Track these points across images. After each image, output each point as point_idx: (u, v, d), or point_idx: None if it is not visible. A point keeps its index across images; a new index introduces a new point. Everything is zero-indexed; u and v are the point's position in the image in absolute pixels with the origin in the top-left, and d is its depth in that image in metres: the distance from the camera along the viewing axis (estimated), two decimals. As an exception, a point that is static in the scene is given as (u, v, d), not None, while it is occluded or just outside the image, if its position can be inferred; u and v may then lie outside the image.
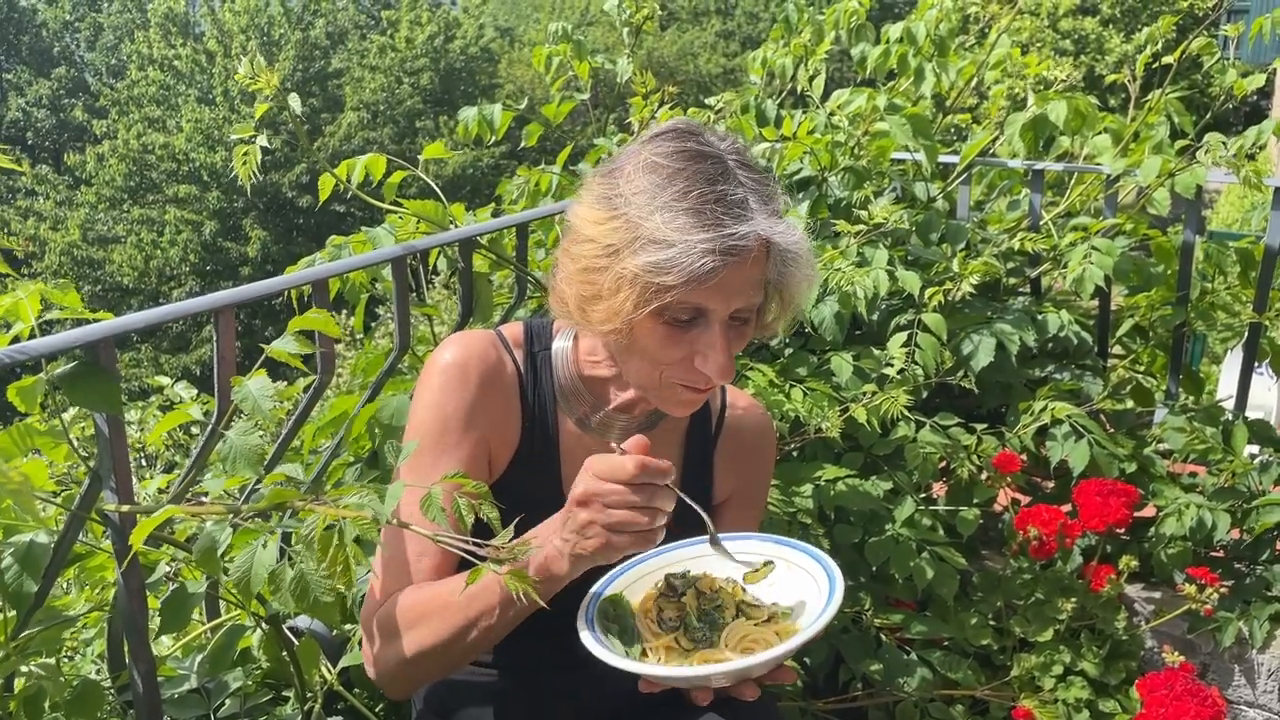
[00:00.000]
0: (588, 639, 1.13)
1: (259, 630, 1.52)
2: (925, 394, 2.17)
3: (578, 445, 1.33)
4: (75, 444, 1.27)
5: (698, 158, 1.14)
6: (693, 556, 1.26)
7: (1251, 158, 2.18)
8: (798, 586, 1.22)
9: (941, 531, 2.03)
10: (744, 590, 1.22)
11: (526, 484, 1.31)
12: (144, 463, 4.09)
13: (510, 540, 0.96)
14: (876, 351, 2.17)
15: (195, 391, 2.33)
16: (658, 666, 1.12)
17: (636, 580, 1.25)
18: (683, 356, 1.16)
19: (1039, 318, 2.24)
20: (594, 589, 1.21)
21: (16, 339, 1.12)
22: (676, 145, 1.16)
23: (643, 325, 1.15)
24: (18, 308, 1.12)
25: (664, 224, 1.10)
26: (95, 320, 1.17)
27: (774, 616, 1.19)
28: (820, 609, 1.14)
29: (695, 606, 1.18)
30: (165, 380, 2.47)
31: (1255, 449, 2.24)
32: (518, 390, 1.31)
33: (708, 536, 1.26)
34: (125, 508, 1.15)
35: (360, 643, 1.53)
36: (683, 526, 1.36)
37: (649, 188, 1.13)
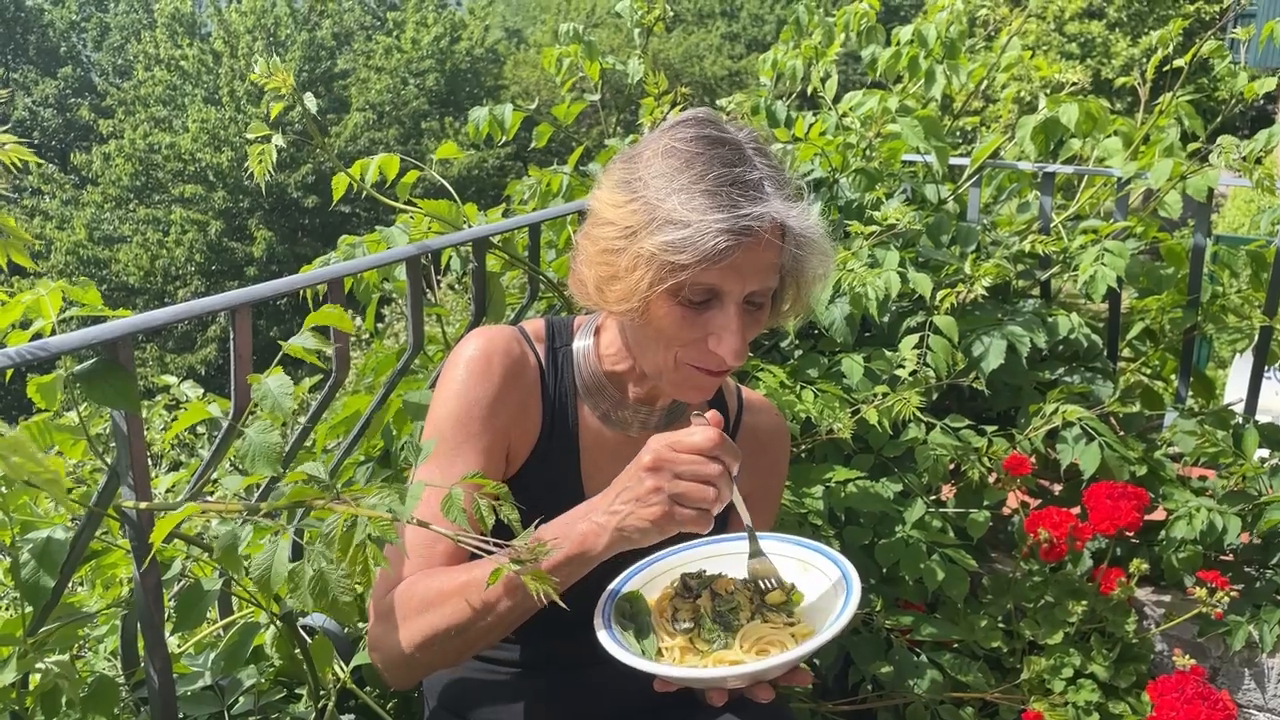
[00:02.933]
0: (604, 638, 1.13)
1: (272, 628, 1.53)
2: (936, 396, 2.17)
3: (597, 439, 1.34)
4: (91, 441, 1.27)
5: (716, 143, 1.16)
6: (708, 556, 1.26)
7: (1259, 161, 2.18)
8: (814, 589, 1.22)
9: (951, 534, 2.03)
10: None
11: (546, 476, 1.32)
12: (148, 462, 4.10)
13: (529, 538, 0.96)
14: (887, 353, 2.17)
15: (201, 391, 2.33)
16: (674, 667, 1.12)
17: (652, 579, 1.24)
18: (697, 338, 1.17)
19: (1049, 320, 2.25)
20: (611, 586, 1.21)
21: (38, 335, 1.13)
22: (695, 131, 1.18)
23: (659, 306, 1.16)
24: (39, 305, 1.13)
25: (680, 205, 1.12)
26: (114, 318, 1.17)
27: (791, 619, 1.19)
28: (837, 612, 1.14)
29: (710, 608, 1.17)
30: (171, 379, 2.47)
31: (1265, 453, 2.24)
32: (539, 384, 1.32)
33: (727, 536, 1.27)
34: (144, 505, 1.16)
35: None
36: None
37: (667, 171, 1.15)
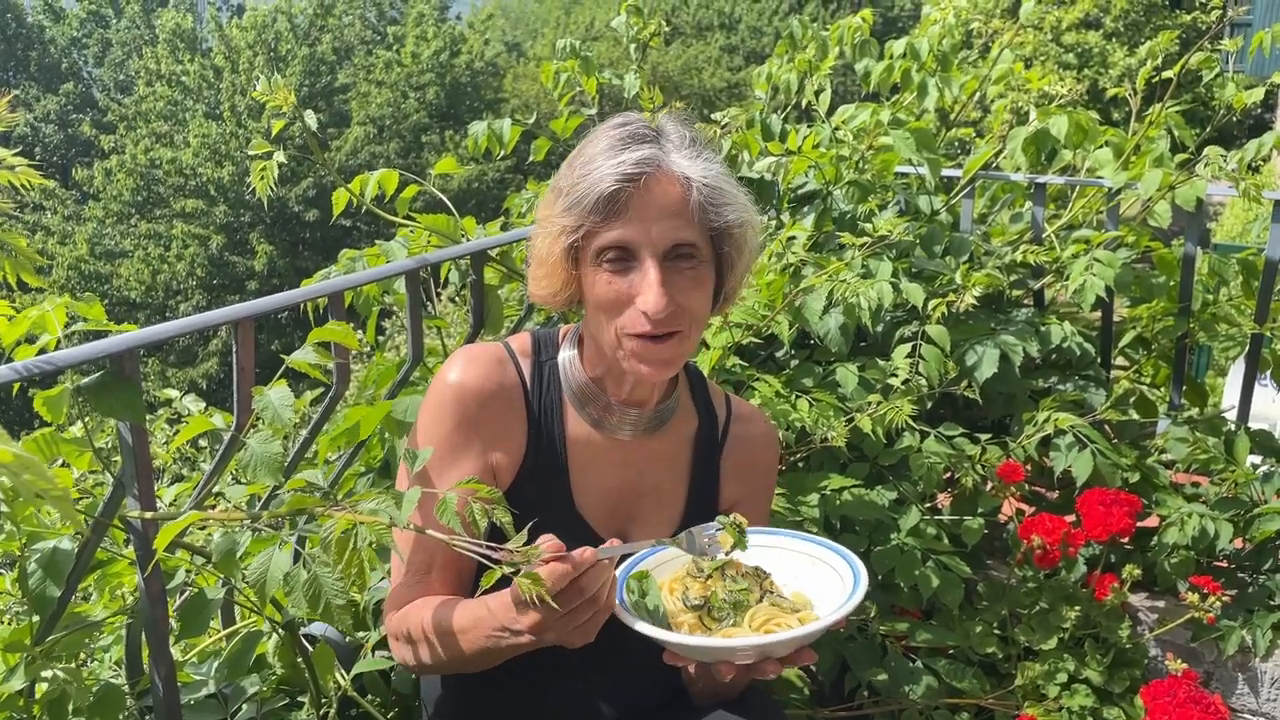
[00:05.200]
0: (618, 609, 1.17)
1: (275, 637, 1.55)
2: (930, 404, 2.19)
3: (586, 449, 1.36)
4: (96, 453, 1.30)
5: (626, 123, 1.24)
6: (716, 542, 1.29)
7: (1256, 170, 2.20)
8: (822, 580, 1.26)
9: (946, 541, 2.05)
10: (771, 579, 1.26)
11: (535, 490, 1.34)
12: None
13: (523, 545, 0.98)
14: (881, 363, 2.19)
15: (203, 405, 2.35)
16: (687, 636, 1.16)
17: (663, 562, 1.28)
18: (625, 302, 1.21)
19: (1042, 329, 2.27)
20: (621, 567, 1.25)
21: (43, 350, 1.15)
22: (613, 122, 1.26)
23: (588, 279, 1.23)
24: (44, 320, 1.15)
25: (579, 176, 1.20)
26: (118, 332, 1.20)
27: (799, 604, 1.23)
28: (844, 598, 1.18)
29: (721, 587, 1.21)
30: (173, 393, 2.50)
31: (1257, 459, 2.26)
32: (523, 401, 1.34)
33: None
34: (149, 514, 1.18)
35: (377, 641, 1.59)
36: (698, 518, 1.39)
37: (577, 157, 1.24)
